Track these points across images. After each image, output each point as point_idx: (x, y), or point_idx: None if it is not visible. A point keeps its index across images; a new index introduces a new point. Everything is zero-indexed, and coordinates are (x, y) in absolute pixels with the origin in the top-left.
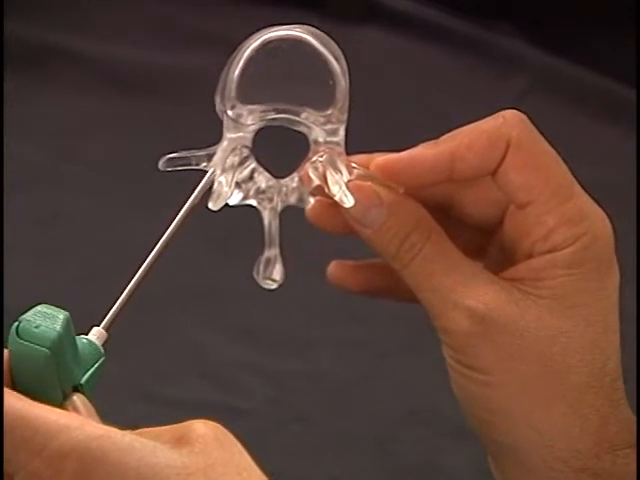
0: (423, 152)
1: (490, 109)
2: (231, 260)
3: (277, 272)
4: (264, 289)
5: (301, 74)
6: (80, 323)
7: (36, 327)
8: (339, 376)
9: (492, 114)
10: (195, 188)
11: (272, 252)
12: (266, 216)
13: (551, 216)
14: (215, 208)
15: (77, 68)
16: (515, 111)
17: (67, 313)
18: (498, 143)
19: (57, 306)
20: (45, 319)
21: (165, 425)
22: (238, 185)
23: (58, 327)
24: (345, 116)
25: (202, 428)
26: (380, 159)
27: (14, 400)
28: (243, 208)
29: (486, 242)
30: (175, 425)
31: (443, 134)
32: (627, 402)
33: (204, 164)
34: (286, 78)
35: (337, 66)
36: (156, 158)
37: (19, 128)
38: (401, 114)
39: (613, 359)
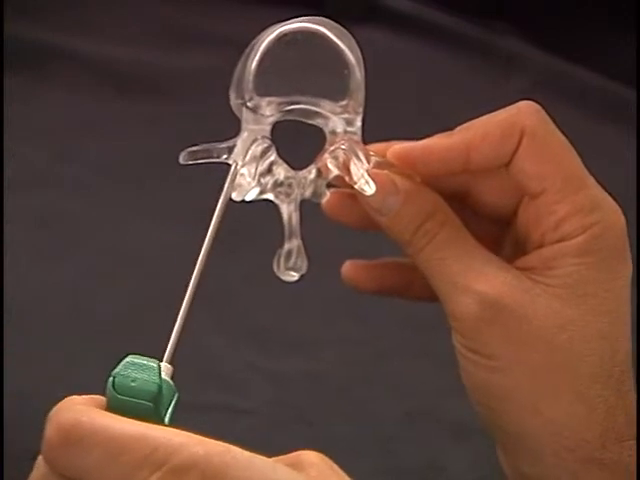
0: (438, 142)
1: (490, 109)
2: (233, 260)
3: (300, 263)
4: (266, 287)
5: (317, 65)
6: (81, 322)
7: (133, 381)
8: (340, 376)
9: None
10: (199, 181)
11: (293, 244)
12: (285, 209)
13: (562, 205)
14: (237, 199)
15: (77, 68)
16: (530, 102)
17: (157, 362)
18: (512, 133)
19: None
20: (139, 371)
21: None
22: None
23: (156, 379)
24: (361, 107)
25: (314, 457)
26: (396, 147)
27: (127, 424)
28: (247, 209)
29: (501, 234)
30: (283, 456)
31: None
32: (635, 394)
33: (225, 156)
34: (302, 70)
35: (352, 57)
36: (156, 158)
37: (19, 128)
38: (401, 114)
39: (622, 350)
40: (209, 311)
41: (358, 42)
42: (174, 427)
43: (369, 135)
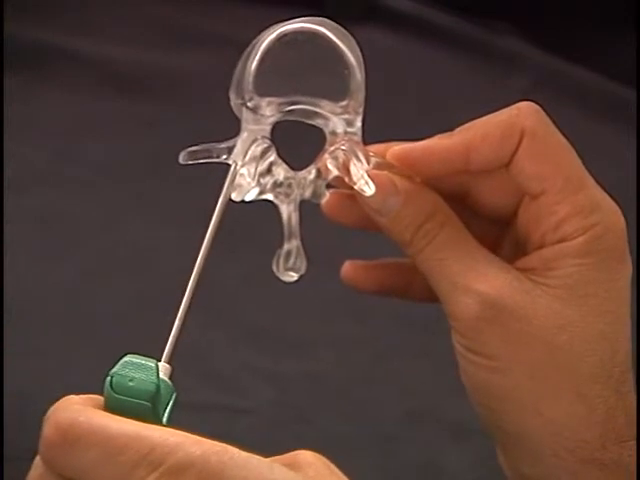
0: (438, 142)
1: (490, 109)
2: (232, 259)
3: (299, 263)
4: (265, 287)
5: (317, 66)
6: (81, 322)
7: (131, 381)
8: (340, 376)
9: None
10: (194, 182)
11: (293, 244)
12: (285, 209)
13: (562, 206)
14: (237, 199)
15: (77, 68)
16: (530, 102)
17: (155, 361)
18: (512, 134)
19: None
20: (137, 371)
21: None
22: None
23: (154, 379)
24: (362, 107)
25: (311, 457)
26: (396, 148)
27: (124, 423)
28: (246, 209)
29: (501, 234)
30: (280, 456)
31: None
32: (635, 395)
33: (224, 156)
34: (302, 70)
35: (352, 57)
36: (156, 158)
37: (19, 128)
38: (401, 114)
39: (622, 351)
40: (209, 311)
41: (358, 42)
42: (172, 427)
43: (369, 135)
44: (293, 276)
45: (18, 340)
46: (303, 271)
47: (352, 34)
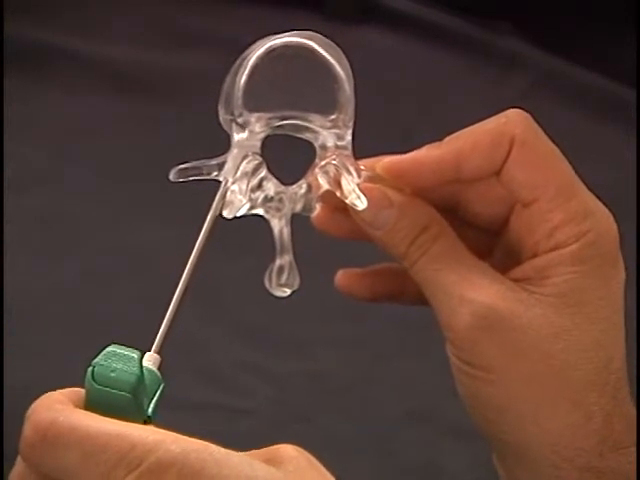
0: (428, 153)
1: (490, 109)
2: (231, 259)
3: (292, 279)
4: (271, 293)
5: (306, 80)
6: (80, 323)
7: (112, 371)
8: (340, 376)
9: (492, 114)
10: (193, 194)
11: (285, 259)
12: (276, 224)
13: (555, 213)
14: (229, 216)
15: (77, 68)
16: (518, 110)
17: (139, 352)
18: (502, 142)
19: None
20: (119, 361)
21: (165, 426)
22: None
23: (136, 370)
24: (351, 121)
25: (293, 451)
26: (385, 161)
27: (104, 422)
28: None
29: (493, 244)
30: (261, 450)
31: (443, 135)
32: (632, 401)
33: (215, 173)
34: (291, 84)
35: (341, 71)
36: (156, 158)
37: (19, 128)
38: (401, 115)
39: (617, 357)
40: (208, 311)
41: (357, 42)
42: (159, 424)
43: (370, 135)
44: (286, 292)
45: (18, 340)
46: (296, 287)
47: (351, 34)
